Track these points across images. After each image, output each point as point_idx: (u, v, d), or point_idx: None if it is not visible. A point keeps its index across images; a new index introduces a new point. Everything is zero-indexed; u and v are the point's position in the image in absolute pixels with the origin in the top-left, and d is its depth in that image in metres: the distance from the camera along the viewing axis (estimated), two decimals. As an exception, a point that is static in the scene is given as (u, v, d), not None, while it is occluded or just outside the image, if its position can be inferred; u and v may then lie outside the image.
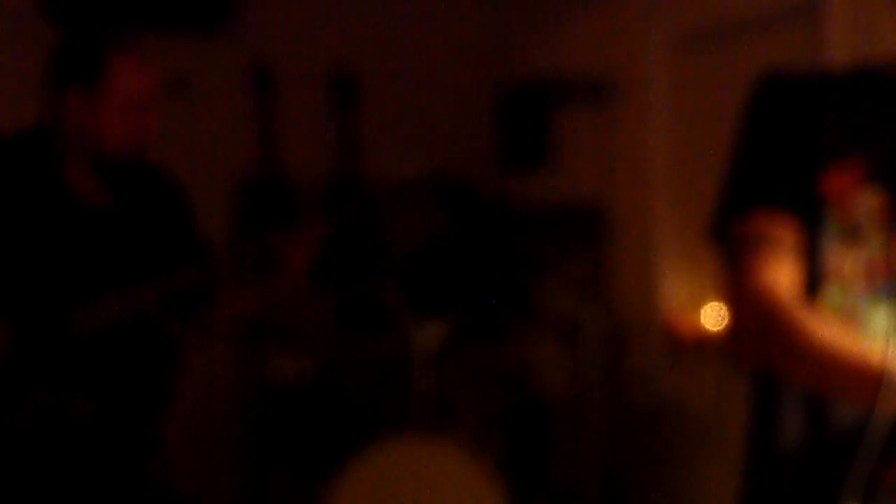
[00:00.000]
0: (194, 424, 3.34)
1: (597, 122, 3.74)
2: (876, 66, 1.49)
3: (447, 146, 3.94)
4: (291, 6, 3.98)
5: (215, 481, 3.61)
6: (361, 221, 2.34)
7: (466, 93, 4.19)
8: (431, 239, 3.81)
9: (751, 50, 3.11)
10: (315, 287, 3.44)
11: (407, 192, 2.48)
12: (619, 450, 3.60)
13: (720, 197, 1.47)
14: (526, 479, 3.45)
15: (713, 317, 3.14)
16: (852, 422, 1.39)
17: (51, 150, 2.20)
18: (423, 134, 4.00)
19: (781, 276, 1.36)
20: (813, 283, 1.40)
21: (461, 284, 3.67)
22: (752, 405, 1.51)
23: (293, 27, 3.96)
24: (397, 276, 3.65)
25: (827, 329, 1.32)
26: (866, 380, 1.26)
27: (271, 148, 3.72)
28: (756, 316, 1.36)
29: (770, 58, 2.98)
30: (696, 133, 3.27)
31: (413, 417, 3.21)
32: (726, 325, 1.46)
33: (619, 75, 3.65)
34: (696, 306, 3.26)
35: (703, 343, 3.23)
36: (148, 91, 2.20)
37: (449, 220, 3.85)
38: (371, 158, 3.75)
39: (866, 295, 1.39)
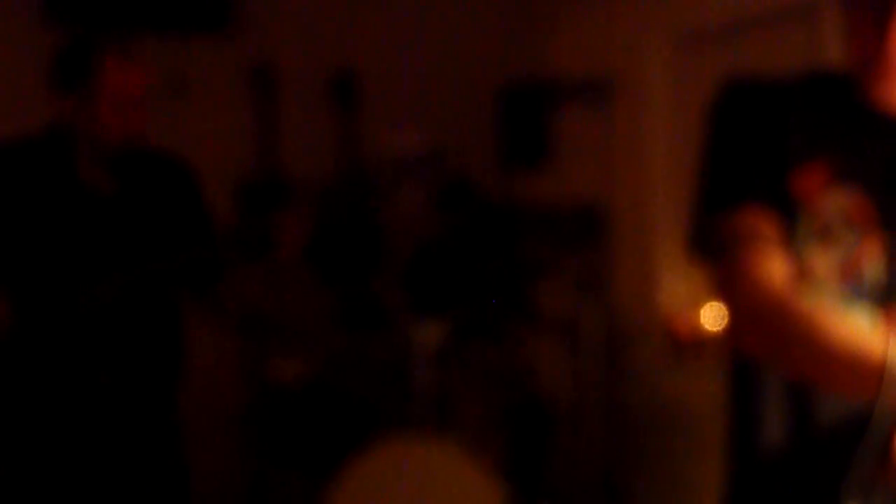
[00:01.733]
0: (194, 424, 3.34)
1: (597, 122, 3.74)
2: (833, 71, 1.52)
3: (447, 147, 3.94)
4: (292, 6, 3.98)
5: (215, 481, 3.61)
6: (356, 207, 2.58)
7: (467, 93, 4.19)
8: (431, 239, 3.81)
9: (751, 50, 3.11)
10: (315, 283, 3.49)
11: (403, 172, 2.64)
12: (619, 450, 3.60)
13: (694, 208, 1.48)
14: (526, 478, 3.45)
15: (713, 317, 3.15)
16: (834, 418, 1.39)
17: (64, 145, 2.44)
18: (424, 134, 4.00)
19: (774, 268, 1.37)
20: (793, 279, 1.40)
21: (461, 284, 3.67)
22: (733, 403, 1.52)
23: (294, 27, 3.96)
24: (397, 275, 3.65)
25: (828, 317, 1.33)
26: (867, 369, 1.26)
27: (271, 148, 3.72)
28: (758, 309, 1.37)
29: (769, 58, 2.99)
30: (696, 133, 3.26)
31: (413, 417, 3.21)
32: (726, 324, 1.47)
33: (619, 75, 3.65)
34: (696, 306, 3.26)
35: (703, 343, 3.24)
36: (138, 87, 2.42)
37: (449, 220, 3.85)
38: (371, 158, 3.75)
39: (840, 295, 1.39)
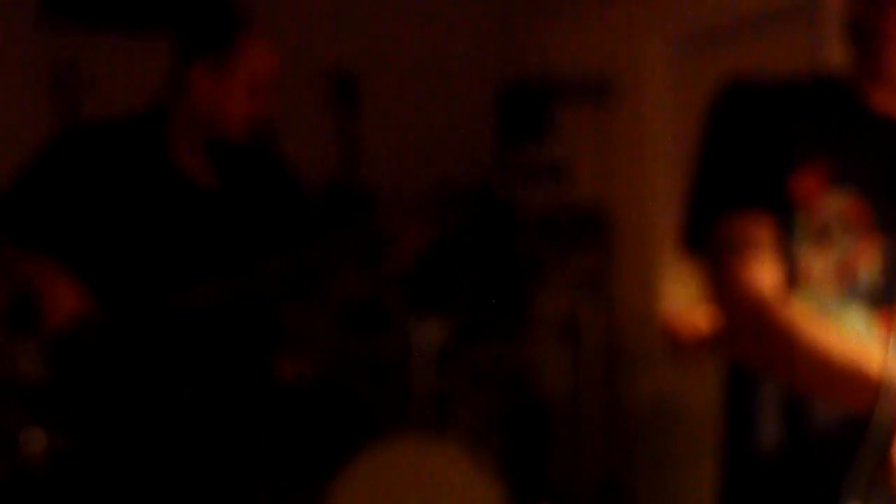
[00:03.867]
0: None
1: (597, 122, 3.74)
2: (832, 73, 1.52)
3: (447, 146, 3.94)
4: (291, 6, 3.98)
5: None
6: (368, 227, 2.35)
7: (467, 93, 4.19)
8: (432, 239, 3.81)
9: (751, 50, 3.11)
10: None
11: (414, 211, 2.45)
12: (618, 449, 3.61)
13: (689, 205, 1.49)
14: (525, 478, 3.45)
15: (713, 317, 3.14)
16: (829, 420, 1.40)
17: (160, 129, 2.18)
18: (424, 134, 4.00)
19: (765, 275, 1.39)
20: (784, 286, 1.41)
21: (461, 284, 3.67)
22: (729, 404, 1.53)
23: (294, 27, 3.96)
24: (398, 275, 3.65)
25: (816, 327, 1.34)
26: (855, 378, 1.28)
27: (270, 148, 3.71)
28: (747, 317, 1.38)
29: (769, 58, 2.99)
30: (696, 133, 3.26)
31: (413, 417, 3.21)
32: (717, 328, 1.48)
33: (619, 75, 3.65)
34: (696, 306, 3.26)
35: (703, 343, 3.23)
36: (271, 74, 2.18)
37: (449, 221, 3.85)
38: (371, 159, 3.75)
39: (837, 297, 1.40)
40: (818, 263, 1.41)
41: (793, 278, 1.41)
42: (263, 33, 2.19)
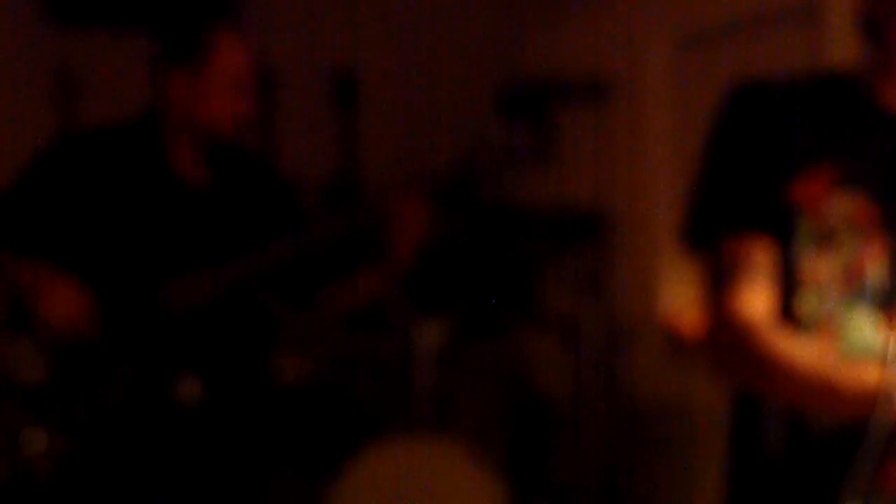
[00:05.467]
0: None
1: (597, 122, 3.73)
2: (840, 72, 1.51)
3: (447, 146, 3.94)
4: (292, 7, 3.98)
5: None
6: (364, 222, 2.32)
7: (467, 92, 4.18)
8: (432, 239, 3.81)
9: (751, 50, 3.11)
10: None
11: (411, 188, 2.42)
12: (619, 449, 3.60)
13: (690, 207, 1.49)
14: (526, 478, 3.45)
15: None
16: (832, 420, 1.40)
17: (157, 133, 2.24)
18: (424, 134, 4.00)
19: (757, 299, 1.39)
20: (790, 291, 1.41)
21: (461, 284, 3.67)
22: (734, 403, 1.53)
23: (294, 27, 3.96)
24: (404, 274, 3.65)
25: (801, 349, 1.35)
26: (853, 397, 1.29)
27: (271, 148, 3.72)
28: (731, 342, 1.40)
29: (770, 58, 2.99)
30: (696, 133, 3.26)
31: (413, 417, 3.21)
32: (707, 349, 1.50)
33: (619, 75, 3.65)
34: (697, 306, 3.26)
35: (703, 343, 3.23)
36: (250, 71, 2.23)
37: (449, 220, 3.85)
38: (371, 158, 3.75)
39: (843, 300, 1.40)
40: (824, 266, 1.40)
41: (798, 282, 1.41)
42: (237, 33, 2.25)
